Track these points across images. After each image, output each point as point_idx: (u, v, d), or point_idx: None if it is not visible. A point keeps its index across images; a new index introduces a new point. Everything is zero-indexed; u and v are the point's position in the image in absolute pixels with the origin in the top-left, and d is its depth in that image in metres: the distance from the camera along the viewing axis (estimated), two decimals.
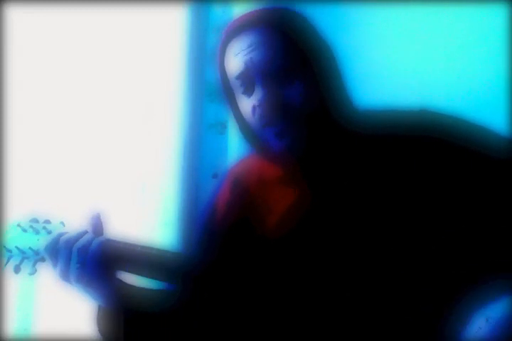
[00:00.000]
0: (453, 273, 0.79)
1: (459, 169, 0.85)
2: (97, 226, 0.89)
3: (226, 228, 0.97)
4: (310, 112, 0.86)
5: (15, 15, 1.31)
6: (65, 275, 0.86)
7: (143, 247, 0.87)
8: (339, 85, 0.90)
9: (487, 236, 0.81)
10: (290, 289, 0.82)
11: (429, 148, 0.87)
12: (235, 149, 1.53)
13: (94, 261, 0.85)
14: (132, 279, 0.90)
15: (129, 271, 0.87)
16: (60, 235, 0.88)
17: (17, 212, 0.97)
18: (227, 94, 0.92)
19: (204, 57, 1.50)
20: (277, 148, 0.88)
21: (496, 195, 0.83)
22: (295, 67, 0.86)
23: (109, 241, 0.87)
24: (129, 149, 1.45)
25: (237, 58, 0.87)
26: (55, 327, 1.25)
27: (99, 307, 0.90)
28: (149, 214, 1.44)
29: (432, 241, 0.82)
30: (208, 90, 1.51)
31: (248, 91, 0.88)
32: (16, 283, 1.21)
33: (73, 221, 0.92)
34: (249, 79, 0.87)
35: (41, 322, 1.28)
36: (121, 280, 0.90)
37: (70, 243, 0.86)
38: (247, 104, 0.88)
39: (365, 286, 0.81)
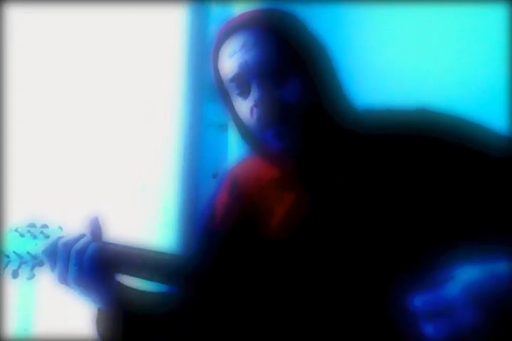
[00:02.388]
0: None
1: (457, 168, 0.85)
2: (96, 229, 0.89)
3: (225, 231, 0.96)
4: (307, 112, 0.85)
5: (15, 15, 1.30)
6: (64, 279, 0.86)
7: (140, 249, 0.87)
8: (335, 85, 0.89)
9: (486, 235, 0.81)
10: (291, 290, 0.82)
11: (428, 148, 0.86)
12: (235, 149, 1.53)
13: (92, 263, 0.85)
14: (131, 281, 0.90)
15: (128, 274, 0.87)
16: (58, 239, 0.89)
17: (15, 217, 0.97)
18: (223, 95, 0.92)
19: (204, 57, 1.50)
20: (276, 148, 0.87)
21: (495, 194, 0.83)
22: (290, 67, 0.85)
23: (106, 244, 0.88)
24: (129, 149, 1.45)
25: (230, 60, 0.87)
26: (55, 327, 1.25)
27: (99, 309, 0.91)
28: (149, 215, 1.44)
29: (432, 241, 0.82)
30: (208, 90, 1.51)
31: (244, 93, 0.87)
32: (16, 284, 1.21)
33: (72, 224, 0.92)
34: (244, 81, 0.86)
35: (41, 322, 1.29)
36: (120, 283, 0.90)
37: (68, 246, 0.87)
38: (244, 105, 0.88)
39: (365, 286, 0.80)
